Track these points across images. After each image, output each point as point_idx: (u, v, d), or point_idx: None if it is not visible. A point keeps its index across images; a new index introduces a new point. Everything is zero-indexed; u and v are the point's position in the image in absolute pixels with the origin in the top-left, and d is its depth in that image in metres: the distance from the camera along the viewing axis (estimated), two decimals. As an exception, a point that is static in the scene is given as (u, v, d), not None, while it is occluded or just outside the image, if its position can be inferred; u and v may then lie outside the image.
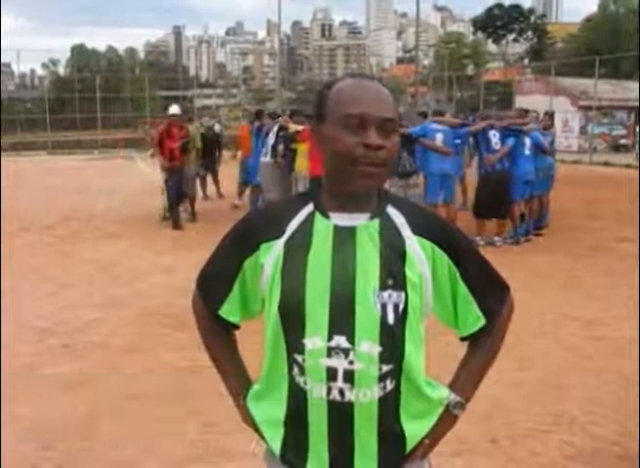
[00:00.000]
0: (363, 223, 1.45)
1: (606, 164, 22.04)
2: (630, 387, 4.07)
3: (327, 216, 1.46)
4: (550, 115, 10.49)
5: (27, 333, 5.15)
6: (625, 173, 19.42)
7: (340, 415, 1.43)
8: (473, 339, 1.57)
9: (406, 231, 1.46)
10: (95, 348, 4.89)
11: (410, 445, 1.49)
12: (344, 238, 1.44)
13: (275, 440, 1.53)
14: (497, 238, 8.57)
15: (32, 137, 33.20)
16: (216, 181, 13.40)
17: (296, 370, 1.45)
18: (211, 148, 12.68)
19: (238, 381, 1.66)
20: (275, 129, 9.73)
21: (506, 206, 8.54)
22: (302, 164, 9.75)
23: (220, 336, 1.66)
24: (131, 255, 8.11)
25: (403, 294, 1.42)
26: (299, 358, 1.44)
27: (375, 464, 1.46)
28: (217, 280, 1.59)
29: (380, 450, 1.46)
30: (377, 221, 1.46)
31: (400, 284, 1.42)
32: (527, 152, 8.65)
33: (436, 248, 1.46)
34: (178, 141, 10.00)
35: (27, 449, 3.37)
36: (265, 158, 9.74)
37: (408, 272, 1.43)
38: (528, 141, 8.67)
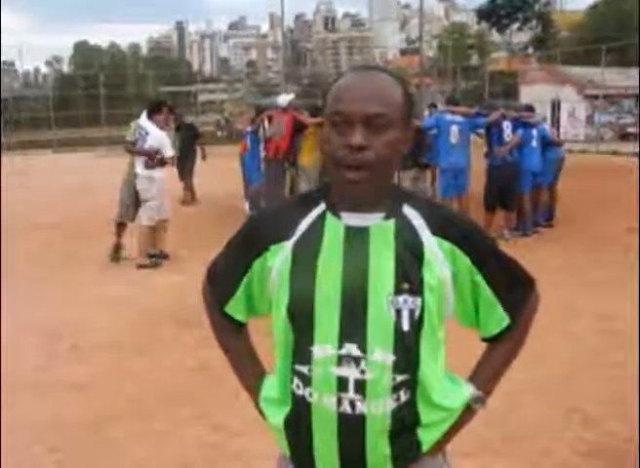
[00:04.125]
0: (377, 223, 1.38)
1: (614, 153, 21.89)
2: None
3: (338, 217, 1.40)
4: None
5: (35, 335, 5.13)
6: (633, 161, 19.28)
7: (351, 428, 1.36)
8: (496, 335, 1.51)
9: (424, 232, 1.39)
10: (102, 349, 4.87)
11: (425, 448, 1.43)
12: (356, 239, 1.38)
13: (283, 443, 1.48)
14: (506, 231, 8.49)
15: (37, 136, 33.24)
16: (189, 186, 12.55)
17: (297, 381, 1.39)
18: (187, 147, 12.34)
19: (250, 372, 1.60)
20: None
21: (514, 198, 8.47)
22: (307, 160, 9.63)
23: (229, 328, 1.61)
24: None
25: (419, 299, 1.35)
26: (303, 369, 1.38)
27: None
28: (224, 278, 1.55)
29: (392, 456, 1.40)
30: (392, 222, 1.39)
31: (416, 288, 1.35)
32: (534, 144, 8.62)
33: (456, 249, 1.39)
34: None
35: (35, 452, 3.36)
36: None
37: (426, 276, 1.36)
38: (535, 133, 8.63)
